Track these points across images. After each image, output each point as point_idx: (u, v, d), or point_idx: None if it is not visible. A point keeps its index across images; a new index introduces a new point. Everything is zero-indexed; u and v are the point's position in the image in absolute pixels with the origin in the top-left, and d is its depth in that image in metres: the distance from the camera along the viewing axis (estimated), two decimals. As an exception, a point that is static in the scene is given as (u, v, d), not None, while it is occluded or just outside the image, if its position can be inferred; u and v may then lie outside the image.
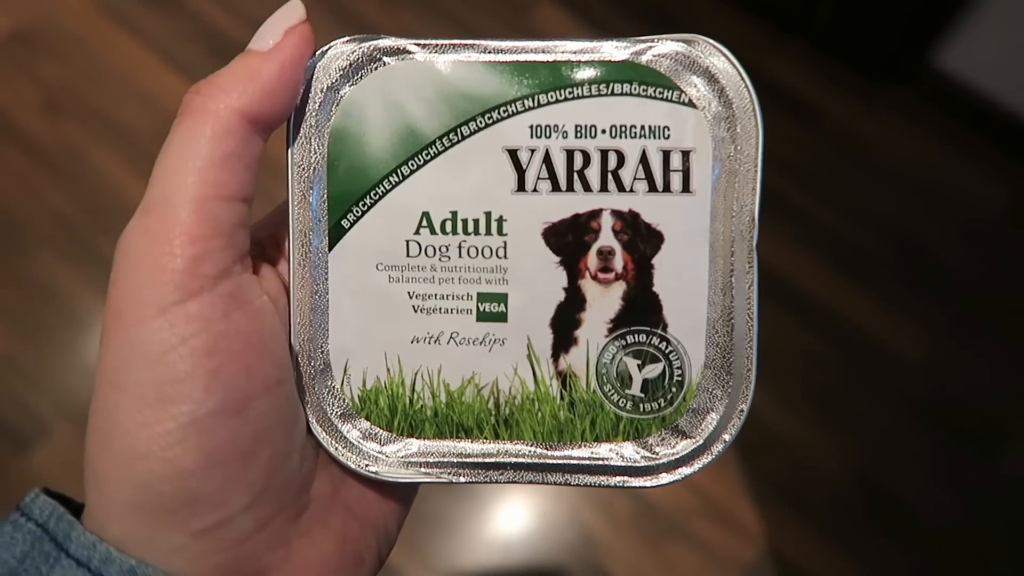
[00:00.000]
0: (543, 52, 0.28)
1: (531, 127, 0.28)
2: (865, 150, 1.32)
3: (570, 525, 1.08)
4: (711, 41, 0.27)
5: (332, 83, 0.28)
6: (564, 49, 0.27)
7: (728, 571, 1.08)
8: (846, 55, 1.35)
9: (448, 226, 0.28)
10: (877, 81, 1.35)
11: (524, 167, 0.28)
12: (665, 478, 0.28)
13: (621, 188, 0.28)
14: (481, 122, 0.28)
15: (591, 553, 1.07)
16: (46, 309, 1.17)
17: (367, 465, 0.28)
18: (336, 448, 0.28)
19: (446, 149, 0.28)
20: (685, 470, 0.28)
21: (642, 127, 0.27)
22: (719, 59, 0.27)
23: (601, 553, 1.07)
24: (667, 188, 0.28)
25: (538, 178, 0.28)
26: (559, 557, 1.07)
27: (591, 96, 0.27)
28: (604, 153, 0.28)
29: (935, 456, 1.14)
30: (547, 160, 0.28)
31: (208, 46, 1.33)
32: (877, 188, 1.29)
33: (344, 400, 0.29)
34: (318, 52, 0.27)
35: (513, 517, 1.08)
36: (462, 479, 0.29)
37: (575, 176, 0.28)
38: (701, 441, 0.28)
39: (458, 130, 0.28)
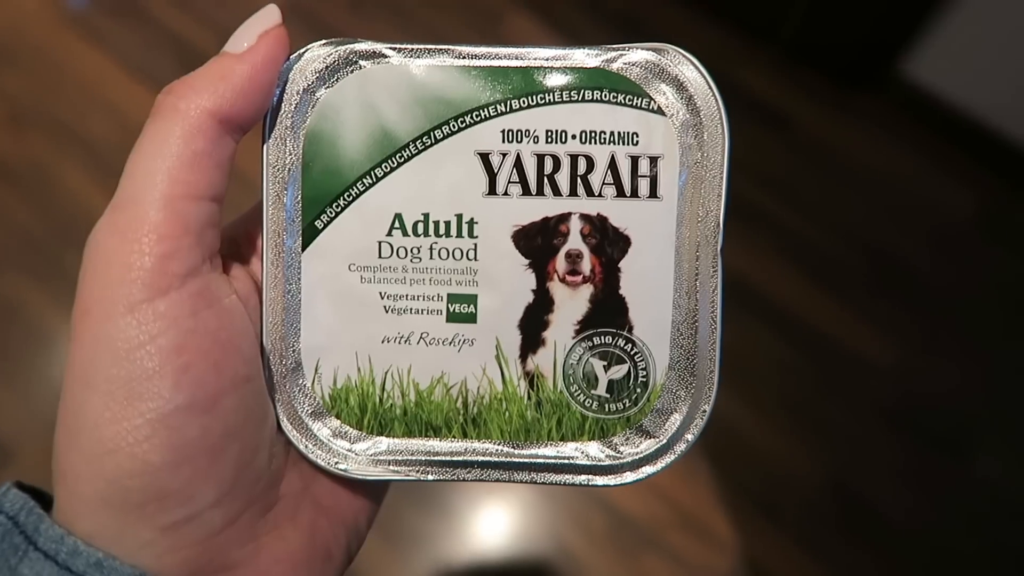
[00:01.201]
0: (516, 58, 0.28)
1: (503, 131, 0.28)
2: (835, 158, 1.34)
3: (546, 539, 1.08)
4: (680, 50, 0.28)
5: (308, 85, 0.28)
6: (536, 56, 0.28)
7: (703, 581, 1.09)
8: (816, 64, 1.37)
9: (420, 228, 0.29)
10: (847, 89, 1.37)
11: (496, 171, 0.28)
12: (629, 477, 0.29)
13: (590, 193, 0.28)
14: (454, 126, 0.28)
15: (568, 567, 1.07)
16: (11, 328, 1.15)
17: (337, 463, 0.29)
18: (306, 446, 0.29)
19: (419, 152, 0.28)
20: (649, 469, 0.29)
21: (611, 133, 0.28)
22: (688, 68, 0.28)
23: (577, 567, 1.08)
24: (635, 193, 0.28)
25: (509, 182, 0.28)
26: (535, 572, 1.07)
27: (562, 102, 0.28)
28: (574, 158, 0.28)
29: (907, 462, 1.16)
30: (518, 164, 0.28)
31: (176, 56, 1.32)
32: (847, 196, 1.31)
33: (315, 398, 0.29)
34: (294, 55, 0.28)
35: (489, 532, 1.08)
36: (430, 477, 0.29)
37: (545, 180, 0.28)
38: (664, 441, 0.29)
39: (432, 133, 0.28)
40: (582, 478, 0.29)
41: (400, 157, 0.28)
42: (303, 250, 0.29)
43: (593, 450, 0.29)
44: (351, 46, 0.28)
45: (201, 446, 0.24)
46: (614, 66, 0.28)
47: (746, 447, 1.14)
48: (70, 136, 1.25)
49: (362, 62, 0.28)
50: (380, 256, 0.29)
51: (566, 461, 0.29)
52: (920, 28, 1.24)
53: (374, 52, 0.28)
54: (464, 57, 0.28)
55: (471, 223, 0.28)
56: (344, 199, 0.28)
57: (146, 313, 0.24)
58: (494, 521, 1.08)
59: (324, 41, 0.28)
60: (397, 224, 0.29)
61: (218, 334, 0.25)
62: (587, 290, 0.29)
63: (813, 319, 1.22)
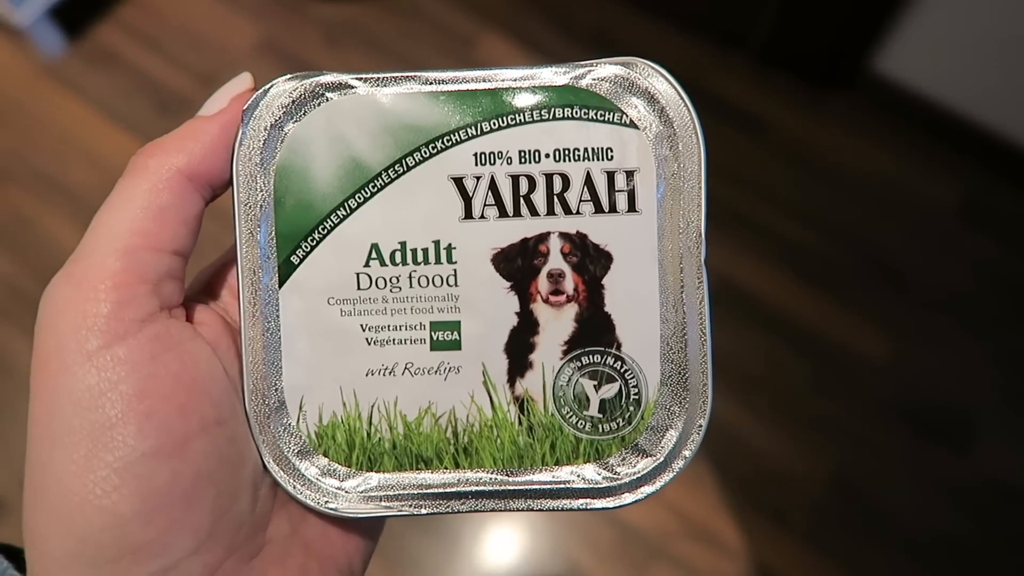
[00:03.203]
0: (483, 81, 0.28)
1: (475, 155, 0.28)
2: (814, 158, 1.35)
3: (554, 557, 1.07)
4: (649, 63, 0.28)
5: (275, 120, 0.28)
6: (504, 77, 0.28)
7: (714, 590, 1.08)
8: (788, 66, 1.38)
9: (398, 257, 0.28)
10: (820, 89, 1.38)
11: (471, 194, 0.28)
12: (628, 498, 0.28)
13: (568, 211, 0.28)
14: (426, 152, 0.28)
15: (575, 579, 1.07)
16: (2, 380, 1.14)
17: (327, 502, 0.28)
18: (294, 486, 0.28)
19: (392, 180, 0.28)
20: (647, 488, 0.28)
21: (585, 149, 0.28)
22: (658, 80, 0.28)
23: (585, 579, 1.07)
24: (613, 208, 0.28)
25: (485, 204, 0.28)
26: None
27: (533, 122, 0.28)
28: (549, 177, 0.28)
29: (908, 456, 1.16)
30: (493, 186, 0.28)
31: (153, 101, 1.32)
32: (829, 195, 1.32)
33: (300, 437, 0.28)
34: (260, 91, 0.28)
35: (495, 555, 1.07)
36: (424, 511, 0.28)
37: (521, 201, 0.28)
38: (661, 459, 0.28)
39: (403, 161, 0.28)
40: (580, 502, 0.28)
41: (373, 187, 0.28)
42: (280, 287, 0.28)
43: (589, 473, 0.28)
44: (316, 79, 0.28)
45: (173, 493, 0.24)
46: (583, 82, 0.28)
47: (748, 451, 1.14)
48: (52, 186, 1.25)
49: (328, 94, 0.28)
50: (359, 288, 0.28)
51: (562, 486, 0.28)
52: (888, 24, 1.25)
53: (340, 83, 0.28)
54: (431, 83, 0.28)
55: (449, 248, 0.28)
56: (319, 232, 0.28)
57: (105, 359, 0.23)
58: (500, 543, 1.07)
59: (289, 76, 0.28)
60: (374, 254, 0.28)
61: (180, 377, 0.25)
62: (572, 309, 0.28)
63: (805, 319, 1.22)
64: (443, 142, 0.28)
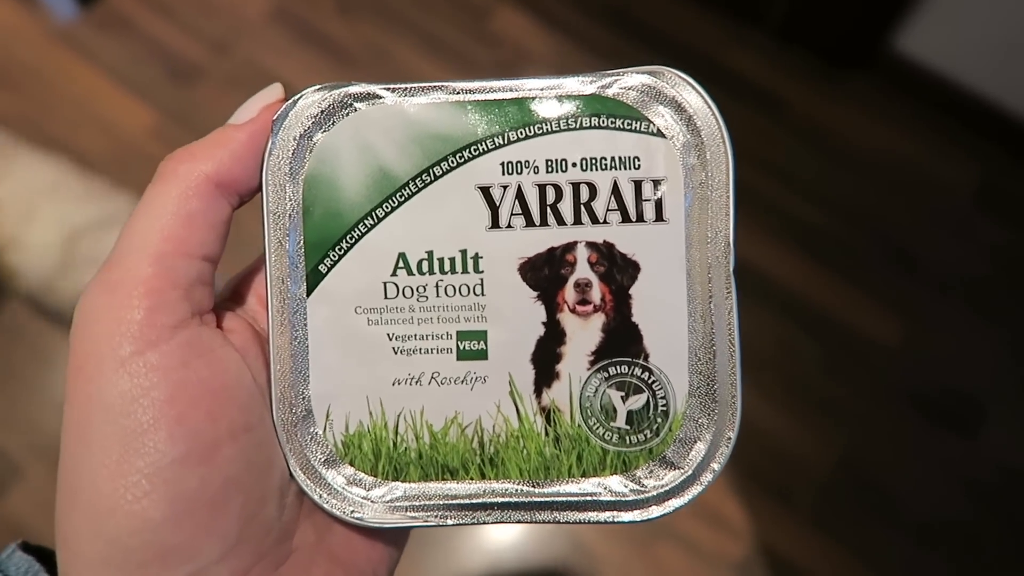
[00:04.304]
0: (510, 90, 0.28)
1: (502, 164, 0.28)
2: (830, 137, 1.33)
3: (558, 531, 1.08)
4: (677, 72, 0.28)
5: (305, 130, 0.28)
6: (531, 86, 0.28)
7: (718, 568, 1.08)
8: (806, 44, 1.36)
9: (425, 266, 0.28)
10: (839, 68, 1.36)
11: (497, 204, 0.28)
12: (655, 511, 0.28)
13: (595, 220, 0.28)
14: (453, 161, 0.28)
15: (581, 559, 1.07)
16: (12, 347, 1.16)
17: (352, 511, 0.28)
18: (320, 495, 0.28)
19: (420, 190, 0.28)
20: (675, 502, 0.28)
21: (612, 159, 0.28)
22: (685, 89, 0.28)
23: (591, 558, 1.07)
24: (640, 218, 0.28)
25: (512, 214, 0.28)
26: (549, 564, 1.07)
27: (560, 131, 0.28)
28: (576, 186, 0.28)
29: (916, 439, 1.15)
30: (520, 196, 0.28)
31: (165, 68, 1.32)
32: (844, 175, 1.30)
33: (327, 446, 0.28)
34: (289, 101, 0.28)
35: (502, 530, 1.08)
36: (449, 521, 0.28)
37: (548, 210, 0.28)
38: (690, 471, 0.28)
39: (430, 170, 0.28)
40: (606, 515, 0.28)
41: (400, 196, 0.28)
42: (308, 295, 0.28)
43: (616, 485, 0.28)
44: (345, 89, 0.28)
45: (201, 499, 0.24)
46: (610, 91, 0.28)
47: (756, 431, 1.13)
48: (63, 152, 1.25)
49: (357, 104, 0.28)
50: (386, 297, 0.28)
51: (589, 498, 0.28)
52: (909, 2, 1.23)
53: (368, 94, 0.28)
54: (458, 92, 0.28)
55: (476, 258, 0.28)
56: (347, 242, 0.28)
57: (138, 365, 0.24)
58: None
59: (318, 86, 0.28)
60: (401, 263, 0.28)
61: (210, 383, 0.25)
62: (599, 319, 0.28)
63: (817, 300, 1.22)
64: (470, 151, 0.28)
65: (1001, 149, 1.31)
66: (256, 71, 1.29)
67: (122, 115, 1.30)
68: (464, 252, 0.28)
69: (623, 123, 0.28)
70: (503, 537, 1.07)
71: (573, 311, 0.28)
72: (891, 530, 1.10)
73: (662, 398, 0.28)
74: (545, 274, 0.28)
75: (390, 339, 0.28)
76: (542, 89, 0.28)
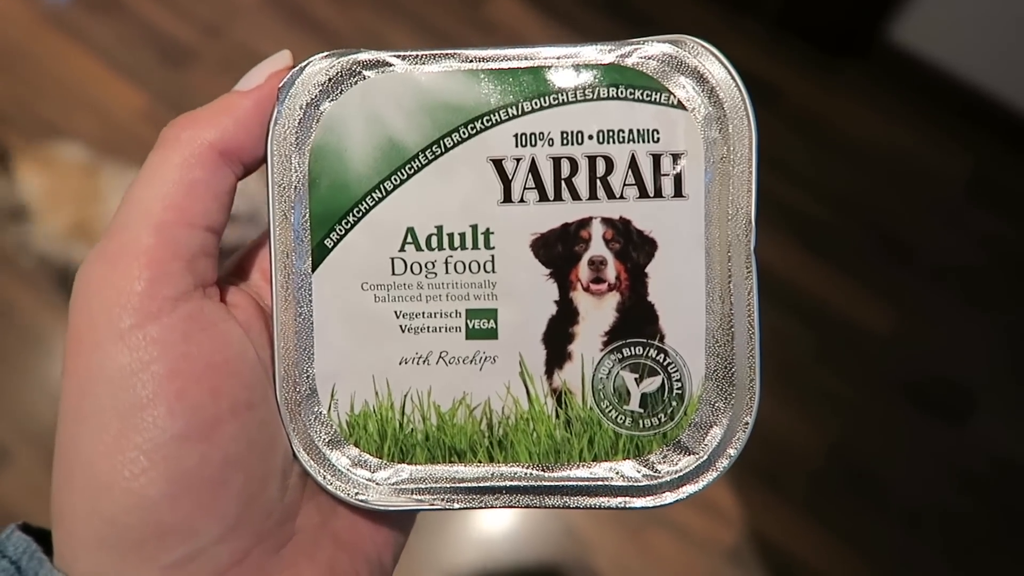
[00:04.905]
0: (525, 59, 0.27)
1: (516, 136, 0.27)
2: (825, 127, 1.33)
3: (552, 518, 1.08)
4: (699, 41, 0.27)
5: (312, 99, 0.27)
6: (546, 55, 0.27)
7: (710, 555, 1.08)
8: (802, 33, 1.36)
9: (434, 241, 0.27)
10: (834, 57, 1.36)
11: (510, 177, 0.27)
12: (669, 497, 0.27)
13: (611, 195, 0.27)
14: (464, 133, 0.27)
15: (573, 545, 1.07)
16: (3, 330, 1.15)
17: (357, 494, 0.27)
18: (324, 476, 0.27)
19: (429, 162, 0.27)
20: (689, 488, 0.27)
21: (630, 131, 0.27)
22: (708, 59, 0.27)
23: (583, 545, 1.07)
24: (659, 193, 0.27)
25: (524, 188, 0.27)
26: (542, 551, 1.07)
27: (576, 102, 0.27)
28: (592, 160, 0.27)
29: (908, 427, 1.16)
30: (533, 169, 0.27)
31: (157, 51, 1.31)
32: (839, 164, 1.30)
33: (331, 426, 0.27)
34: (296, 68, 0.27)
35: (495, 515, 1.08)
36: (456, 505, 0.27)
37: (563, 184, 0.27)
38: (705, 457, 0.27)
39: (441, 142, 0.27)
40: (618, 500, 0.27)
41: (409, 169, 0.27)
42: (313, 271, 0.27)
43: (628, 470, 0.27)
44: (354, 56, 0.27)
45: (201, 477, 0.23)
46: (629, 61, 0.27)
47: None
48: (54, 135, 1.24)
49: (366, 72, 0.27)
50: (394, 273, 0.27)
51: (600, 483, 0.27)
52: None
53: (378, 61, 0.27)
54: (471, 60, 0.27)
55: (487, 233, 0.27)
56: (353, 215, 0.27)
57: (137, 338, 0.23)
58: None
59: (325, 53, 0.27)
60: (410, 239, 0.27)
61: (213, 358, 0.24)
62: (613, 298, 0.27)
63: (810, 289, 1.22)
64: (482, 122, 0.27)
65: (995, 140, 1.31)
66: (249, 54, 1.27)
67: (114, 98, 1.28)
68: (475, 227, 0.27)
69: (642, 94, 0.26)
70: (496, 523, 1.07)
71: (587, 289, 0.27)
72: (881, 517, 1.11)
73: (677, 381, 0.27)
74: (558, 251, 0.27)
75: (397, 317, 0.27)
76: (558, 58, 0.27)
